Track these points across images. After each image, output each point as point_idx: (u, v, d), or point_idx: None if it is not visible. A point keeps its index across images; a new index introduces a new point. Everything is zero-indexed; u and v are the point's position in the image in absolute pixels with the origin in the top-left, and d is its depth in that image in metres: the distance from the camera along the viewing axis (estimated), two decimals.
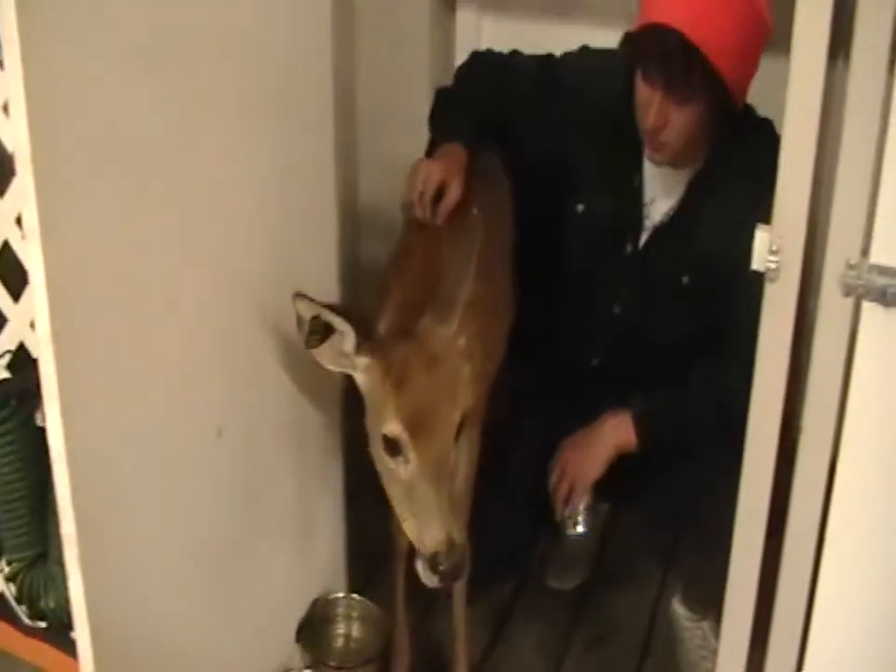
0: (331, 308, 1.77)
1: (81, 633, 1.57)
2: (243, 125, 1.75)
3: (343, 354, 1.81)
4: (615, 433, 2.23)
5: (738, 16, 1.97)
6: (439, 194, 2.19)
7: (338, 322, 1.77)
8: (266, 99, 1.80)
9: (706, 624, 2.34)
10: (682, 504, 2.25)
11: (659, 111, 2.07)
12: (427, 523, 1.77)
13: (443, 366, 1.82)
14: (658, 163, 2.18)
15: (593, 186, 2.28)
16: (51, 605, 1.81)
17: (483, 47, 2.71)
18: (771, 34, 1.99)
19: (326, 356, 1.82)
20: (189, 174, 1.63)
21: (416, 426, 1.76)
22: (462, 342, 2.01)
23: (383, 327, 1.95)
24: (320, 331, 1.78)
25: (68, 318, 1.38)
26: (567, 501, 2.28)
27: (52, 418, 1.40)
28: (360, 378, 1.84)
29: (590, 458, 2.24)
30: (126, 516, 1.60)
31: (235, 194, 1.76)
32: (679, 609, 2.39)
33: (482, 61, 2.41)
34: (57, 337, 1.36)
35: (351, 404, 2.17)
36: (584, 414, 2.34)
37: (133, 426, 1.58)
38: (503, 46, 2.72)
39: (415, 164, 2.27)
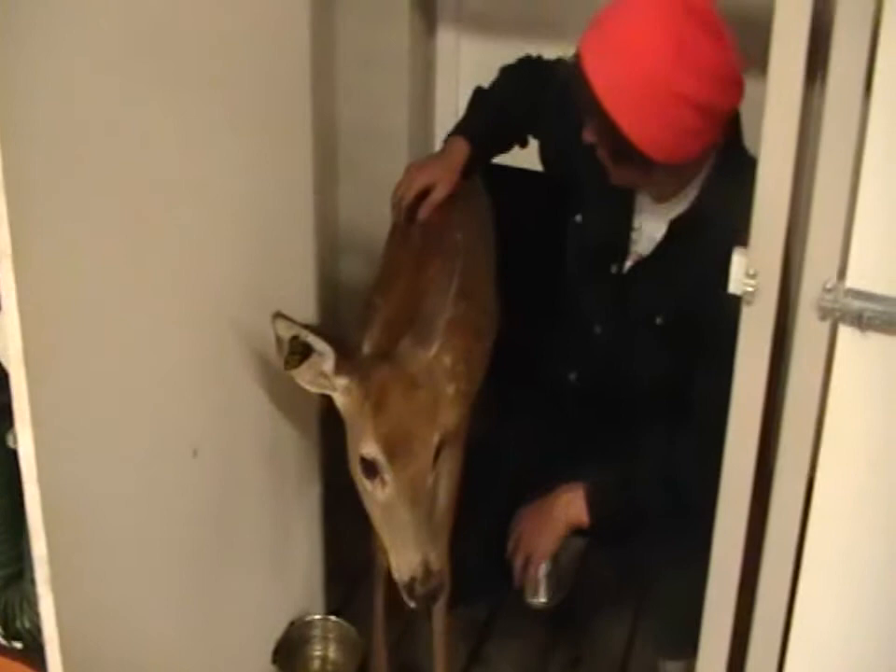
0: (310, 329, 1.77)
1: (52, 654, 1.55)
2: (220, 144, 1.74)
3: (323, 374, 1.81)
4: (567, 510, 2.19)
5: (649, 75, 1.88)
6: (423, 195, 2.22)
7: (317, 343, 1.77)
8: (244, 118, 1.79)
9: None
10: (649, 560, 2.23)
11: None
12: (403, 546, 1.77)
13: (423, 388, 1.82)
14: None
15: (592, 198, 2.26)
16: (27, 625, 1.80)
17: (462, 68, 2.73)
18: (709, 111, 1.92)
19: (305, 376, 1.81)
20: (165, 193, 1.62)
21: (394, 448, 1.76)
22: (448, 361, 2.01)
23: (368, 343, 1.95)
24: (299, 352, 1.78)
25: (40, 339, 1.36)
26: (524, 571, 2.26)
27: (24, 439, 1.38)
28: (339, 399, 1.84)
29: (544, 533, 2.21)
30: (99, 537, 1.59)
31: (212, 214, 1.75)
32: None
33: (523, 65, 2.41)
34: (29, 358, 1.34)
35: (329, 422, 2.17)
36: (565, 435, 2.33)
37: (107, 446, 1.57)
38: (482, 67, 2.73)
39: (406, 168, 2.30)
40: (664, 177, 2.08)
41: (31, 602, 1.75)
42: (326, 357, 1.78)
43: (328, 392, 1.83)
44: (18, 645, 1.86)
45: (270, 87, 1.87)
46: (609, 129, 1.95)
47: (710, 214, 2.06)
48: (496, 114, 2.35)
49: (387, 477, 1.77)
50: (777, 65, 1.31)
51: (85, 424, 1.51)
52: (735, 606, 1.59)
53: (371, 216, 2.91)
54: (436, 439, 1.81)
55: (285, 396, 2.04)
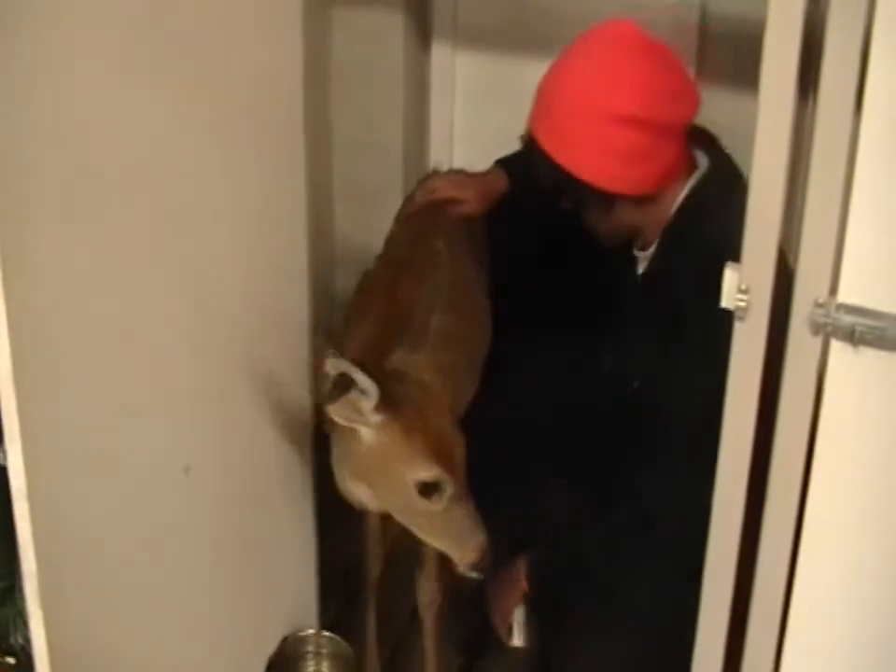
0: (358, 367, 1.76)
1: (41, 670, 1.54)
2: (213, 160, 1.74)
3: (358, 410, 1.81)
4: (513, 581, 2.22)
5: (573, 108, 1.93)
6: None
7: (364, 382, 1.77)
8: (238, 134, 1.79)
9: None
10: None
11: None
12: (469, 533, 1.87)
13: (432, 386, 1.86)
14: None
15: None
16: (20, 641, 1.79)
17: (457, 84, 2.73)
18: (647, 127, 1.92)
19: (340, 411, 1.81)
20: (158, 209, 1.62)
21: (445, 458, 1.82)
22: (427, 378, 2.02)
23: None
24: (342, 388, 1.78)
25: (30, 355, 1.36)
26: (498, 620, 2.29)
27: (13, 456, 1.38)
28: (371, 434, 1.84)
29: (501, 597, 2.24)
30: (90, 553, 1.58)
31: (205, 229, 1.75)
32: None
33: None
34: (18, 373, 1.34)
35: (322, 438, 2.16)
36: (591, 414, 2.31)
37: (98, 463, 1.56)
38: (477, 83, 2.74)
39: (453, 171, 2.43)
40: (637, 217, 2.07)
41: (25, 618, 1.74)
42: (370, 395, 1.79)
43: (358, 426, 1.83)
44: (11, 661, 1.85)
45: (263, 101, 1.86)
46: (557, 174, 1.96)
47: (671, 267, 2.04)
48: None
49: (447, 487, 1.82)
50: (769, 80, 1.30)
51: (75, 440, 1.50)
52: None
53: (366, 230, 2.90)
54: (456, 423, 1.87)
55: (278, 411, 2.03)
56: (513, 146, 2.39)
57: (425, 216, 2.34)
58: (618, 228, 2.10)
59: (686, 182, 2.03)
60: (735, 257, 1.38)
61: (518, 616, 2.25)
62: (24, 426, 1.37)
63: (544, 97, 1.99)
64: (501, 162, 2.41)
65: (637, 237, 2.14)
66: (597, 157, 1.93)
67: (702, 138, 2.04)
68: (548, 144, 1.95)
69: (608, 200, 1.98)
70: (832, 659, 1.49)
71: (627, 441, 2.09)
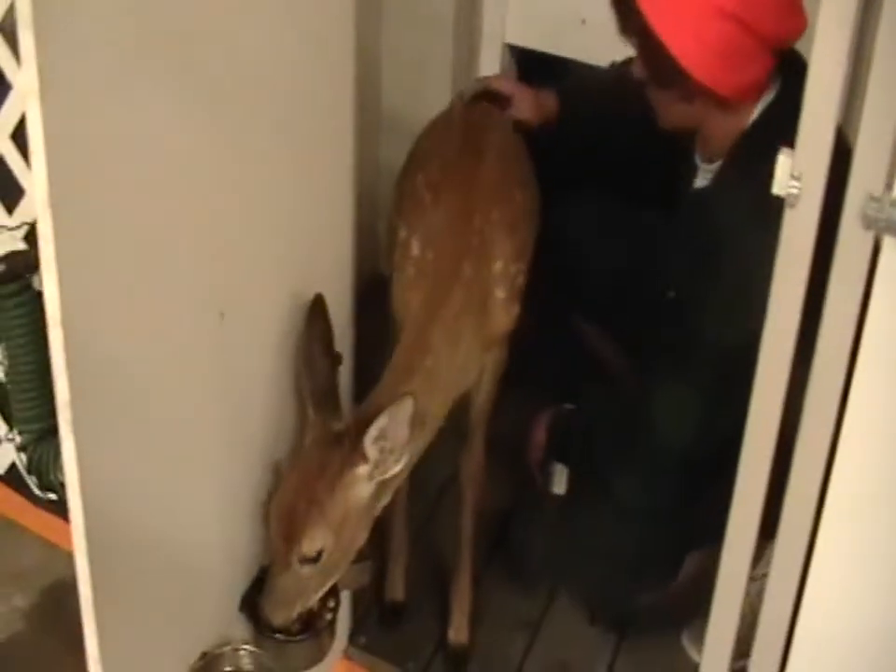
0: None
1: (73, 499, 1.55)
2: (258, 24, 1.70)
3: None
4: (536, 431, 2.35)
5: None
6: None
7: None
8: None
9: None
10: None
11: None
12: None
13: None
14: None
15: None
16: (59, 478, 1.81)
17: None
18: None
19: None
20: (200, 70, 1.59)
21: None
22: (499, 266, 2.09)
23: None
24: None
25: (68, 182, 1.35)
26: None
27: (49, 282, 1.37)
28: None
29: (532, 443, 2.36)
30: (121, 388, 1.57)
31: (248, 94, 1.71)
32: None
33: None
34: (56, 199, 1.33)
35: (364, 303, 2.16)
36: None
37: (133, 298, 1.55)
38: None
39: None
40: (708, 119, 2.03)
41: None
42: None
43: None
44: (52, 496, 1.87)
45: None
46: (652, 45, 1.91)
47: (738, 181, 1.99)
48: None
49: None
50: None
51: (112, 273, 1.49)
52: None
53: (414, 98, 2.87)
54: None
55: (315, 267, 2.01)
56: (566, 20, 2.37)
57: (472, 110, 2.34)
58: (682, 119, 2.07)
59: (757, 102, 1.99)
60: None
61: (554, 465, 2.33)
62: (61, 252, 1.36)
63: None
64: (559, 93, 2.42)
65: (700, 144, 2.11)
66: (691, 39, 1.89)
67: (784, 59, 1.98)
68: (650, 10, 1.91)
69: (688, 88, 1.94)
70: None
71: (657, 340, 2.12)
